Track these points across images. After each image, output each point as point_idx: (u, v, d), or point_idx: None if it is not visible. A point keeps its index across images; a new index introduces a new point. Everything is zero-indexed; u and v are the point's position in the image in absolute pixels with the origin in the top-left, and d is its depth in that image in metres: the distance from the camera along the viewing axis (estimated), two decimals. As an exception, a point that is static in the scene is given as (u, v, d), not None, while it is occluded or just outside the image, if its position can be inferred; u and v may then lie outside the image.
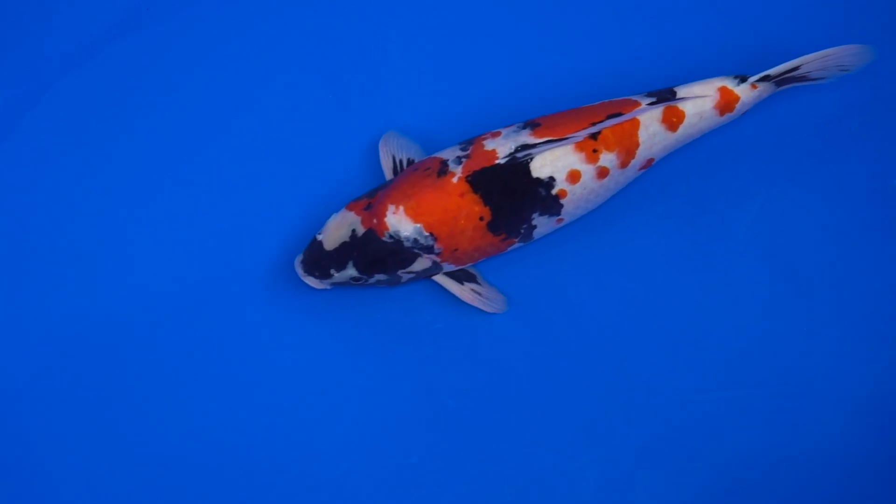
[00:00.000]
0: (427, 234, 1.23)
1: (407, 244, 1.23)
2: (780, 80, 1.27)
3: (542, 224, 1.26)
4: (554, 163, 1.23)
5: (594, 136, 1.23)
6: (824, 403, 1.31)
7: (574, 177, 1.23)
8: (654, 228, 1.33)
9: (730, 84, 1.27)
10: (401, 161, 1.31)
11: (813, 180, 1.34)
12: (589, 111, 1.26)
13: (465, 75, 1.36)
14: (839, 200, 1.34)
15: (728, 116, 1.28)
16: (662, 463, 1.30)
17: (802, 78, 1.28)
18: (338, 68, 1.36)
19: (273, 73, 1.36)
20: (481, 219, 1.23)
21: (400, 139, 1.32)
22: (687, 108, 1.26)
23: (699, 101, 1.26)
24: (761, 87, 1.27)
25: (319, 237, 1.26)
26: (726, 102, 1.27)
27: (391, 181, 1.27)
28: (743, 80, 1.27)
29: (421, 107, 1.35)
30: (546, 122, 1.25)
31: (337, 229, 1.25)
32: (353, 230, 1.24)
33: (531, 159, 1.22)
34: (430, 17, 1.37)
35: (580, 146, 1.23)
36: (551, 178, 1.23)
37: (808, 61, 1.26)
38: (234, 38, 1.36)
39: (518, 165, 1.22)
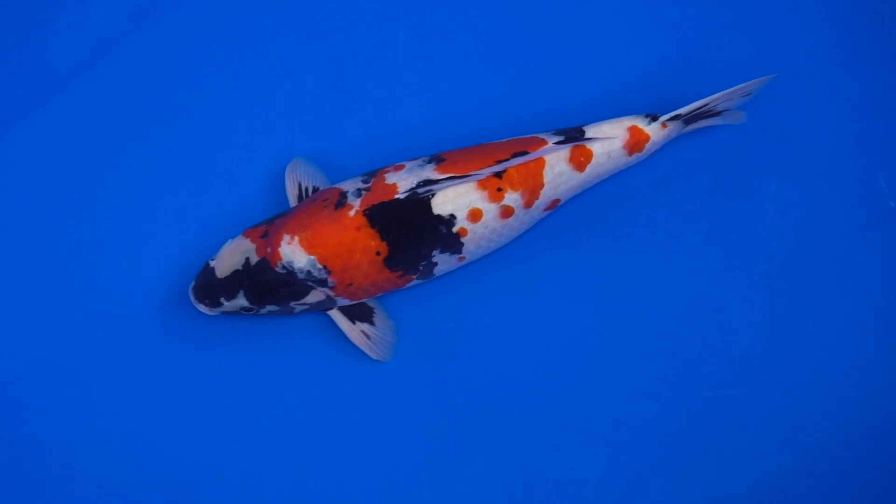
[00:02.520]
0: (321, 266, 1.19)
1: (300, 276, 1.20)
2: (688, 119, 1.26)
3: (443, 262, 1.23)
4: (456, 200, 1.20)
5: (499, 175, 1.21)
6: (822, 402, 1.30)
7: (476, 215, 1.21)
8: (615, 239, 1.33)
9: (640, 123, 1.25)
10: (307, 189, 1.27)
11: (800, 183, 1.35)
12: (495, 148, 1.23)
13: (378, 105, 1.33)
14: (831, 202, 1.34)
15: (637, 156, 1.26)
16: (660, 464, 1.29)
17: (709, 113, 1.27)
18: (255, 90, 1.34)
19: (188, 93, 1.33)
20: (378, 254, 1.20)
21: (307, 167, 1.29)
22: (595, 147, 1.24)
23: (608, 140, 1.24)
24: (671, 126, 1.26)
25: (212, 263, 1.22)
26: (636, 142, 1.25)
27: (292, 210, 1.23)
28: (654, 119, 1.26)
29: (333, 134, 1.33)
30: (451, 158, 1.23)
31: (230, 256, 1.22)
32: (247, 258, 1.21)
33: (432, 195, 1.19)
34: (347, 45, 1.34)
35: (483, 184, 1.20)
36: (452, 216, 1.20)
37: (715, 99, 1.26)
38: (144, 58, 1.34)
39: (418, 201, 1.19)
